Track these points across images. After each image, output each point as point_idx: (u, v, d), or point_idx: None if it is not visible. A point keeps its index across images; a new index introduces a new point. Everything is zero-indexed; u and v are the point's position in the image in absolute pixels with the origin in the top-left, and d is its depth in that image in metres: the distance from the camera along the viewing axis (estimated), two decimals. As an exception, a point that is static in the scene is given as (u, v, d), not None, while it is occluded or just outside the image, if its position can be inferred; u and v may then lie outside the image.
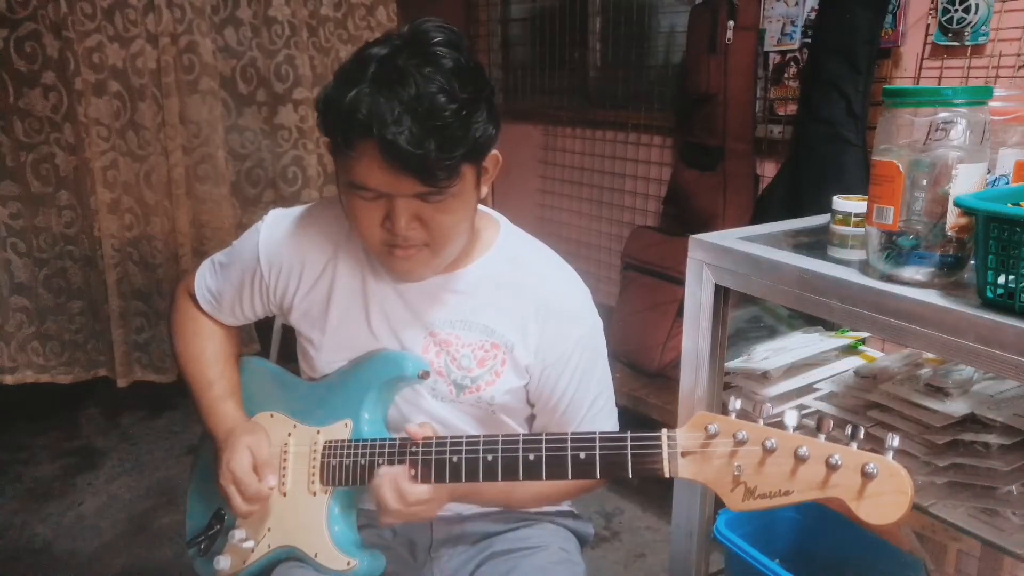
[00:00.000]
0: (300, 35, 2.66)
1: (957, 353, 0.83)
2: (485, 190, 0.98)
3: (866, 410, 1.12)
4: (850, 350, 1.34)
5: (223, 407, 1.10)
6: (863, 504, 0.74)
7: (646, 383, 2.45)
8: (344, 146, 0.88)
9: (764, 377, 1.26)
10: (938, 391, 1.08)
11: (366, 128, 0.84)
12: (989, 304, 0.81)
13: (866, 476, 0.74)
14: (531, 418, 1.14)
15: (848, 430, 0.77)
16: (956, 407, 1.04)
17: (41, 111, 2.39)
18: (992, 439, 1.01)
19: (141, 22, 2.39)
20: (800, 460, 0.77)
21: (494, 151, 0.96)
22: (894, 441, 0.76)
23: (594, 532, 1.26)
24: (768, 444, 0.78)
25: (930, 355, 1.20)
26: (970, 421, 1.04)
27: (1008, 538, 0.96)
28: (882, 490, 0.73)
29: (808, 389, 1.25)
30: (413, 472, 0.94)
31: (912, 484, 0.73)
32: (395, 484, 0.94)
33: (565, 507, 1.22)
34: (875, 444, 0.78)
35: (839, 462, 0.75)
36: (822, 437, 0.78)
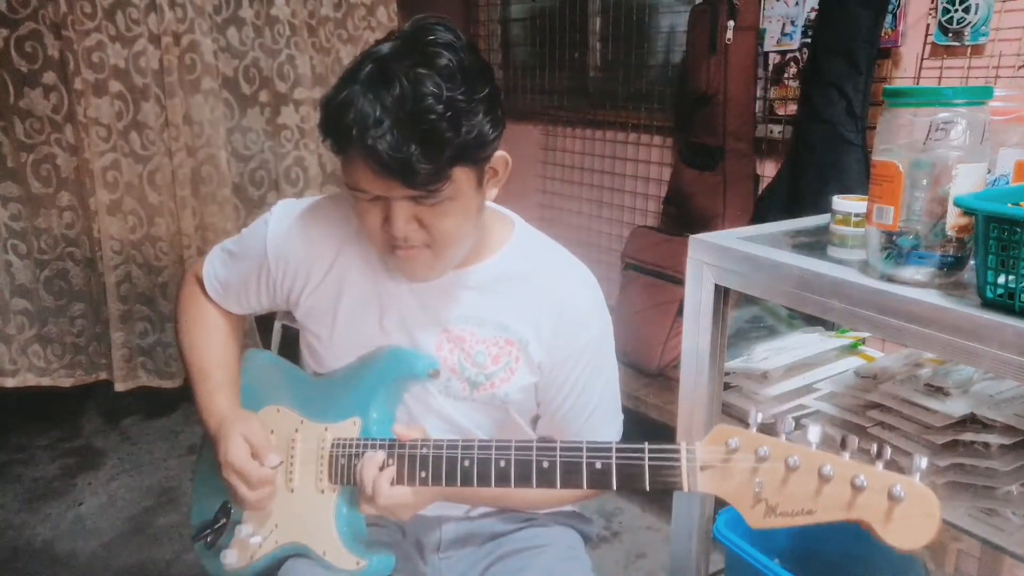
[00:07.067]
0: (301, 35, 2.66)
1: (957, 353, 0.83)
2: (494, 192, 0.97)
3: (866, 410, 1.12)
4: (850, 350, 1.34)
5: (214, 400, 1.08)
6: (890, 528, 0.72)
7: (646, 383, 2.45)
8: (336, 150, 0.87)
9: (764, 377, 1.26)
10: (938, 391, 1.08)
11: (350, 132, 0.83)
12: (989, 304, 0.81)
13: (892, 499, 0.71)
14: (538, 417, 1.13)
15: (874, 449, 0.74)
16: (956, 407, 1.04)
17: (42, 111, 2.38)
18: (992, 439, 1.01)
19: (143, 21, 2.39)
20: (824, 479, 0.74)
21: (501, 153, 0.94)
22: (922, 463, 0.73)
23: (596, 531, 1.26)
24: (791, 462, 0.75)
25: (930, 355, 1.20)
26: (970, 421, 1.04)
27: (1008, 538, 0.96)
28: (909, 513, 0.71)
29: (808, 389, 1.25)
30: (424, 474, 0.93)
31: (939, 507, 0.71)
32: (375, 481, 0.94)
33: (569, 507, 1.22)
34: (882, 449, 0.76)
35: (864, 483, 0.72)
36: (846, 455, 0.75)
